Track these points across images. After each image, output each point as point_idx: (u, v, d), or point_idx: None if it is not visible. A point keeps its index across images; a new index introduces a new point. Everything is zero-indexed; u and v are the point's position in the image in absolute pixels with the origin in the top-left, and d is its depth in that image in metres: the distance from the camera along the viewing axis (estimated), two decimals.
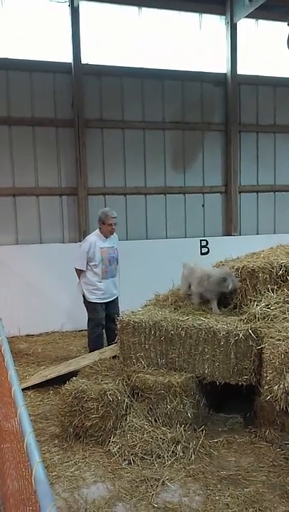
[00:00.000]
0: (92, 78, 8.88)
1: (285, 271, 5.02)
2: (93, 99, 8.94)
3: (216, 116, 9.85)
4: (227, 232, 10.05)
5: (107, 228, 6.25)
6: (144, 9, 9.09)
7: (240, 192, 10.09)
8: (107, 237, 6.28)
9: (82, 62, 8.69)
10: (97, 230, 6.39)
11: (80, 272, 6.28)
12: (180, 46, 9.46)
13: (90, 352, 6.18)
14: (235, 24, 9.53)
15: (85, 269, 6.22)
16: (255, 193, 10.31)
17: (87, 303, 6.29)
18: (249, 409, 4.62)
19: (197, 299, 5.16)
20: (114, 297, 6.36)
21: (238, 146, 9.94)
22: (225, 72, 9.74)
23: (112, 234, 6.33)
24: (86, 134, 8.88)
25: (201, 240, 9.47)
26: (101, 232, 6.30)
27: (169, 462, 3.99)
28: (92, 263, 6.17)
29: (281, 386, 4.03)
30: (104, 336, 6.47)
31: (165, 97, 9.42)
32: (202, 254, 9.35)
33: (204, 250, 9.44)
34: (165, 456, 4.05)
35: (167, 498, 3.54)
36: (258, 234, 10.23)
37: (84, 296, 6.31)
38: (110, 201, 9.09)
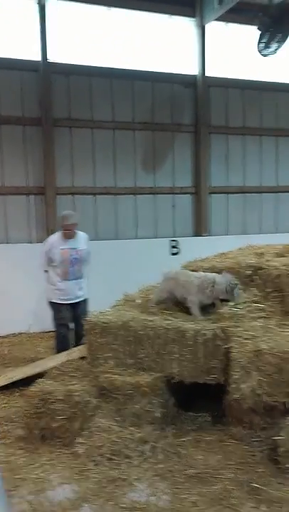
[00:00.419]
0: (61, 77, 8.81)
1: (253, 271, 5.06)
2: (61, 98, 8.86)
3: (186, 118, 9.91)
4: (197, 233, 10.10)
5: (64, 232, 6.16)
6: (113, 9, 9.06)
7: (210, 193, 10.16)
8: (68, 239, 6.18)
9: (50, 61, 8.61)
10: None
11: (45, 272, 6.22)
12: (150, 47, 9.48)
13: (57, 353, 6.09)
14: (205, 27, 9.61)
15: (46, 269, 6.16)
16: (225, 194, 10.40)
17: (49, 303, 6.22)
18: (218, 407, 4.62)
19: (199, 309, 4.79)
20: (80, 299, 6.24)
21: (208, 148, 10.01)
22: (195, 74, 9.80)
23: (71, 238, 6.17)
24: (54, 133, 8.79)
25: (171, 240, 9.49)
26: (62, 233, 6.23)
27: (137, 462, 3.95)
28: (53, 264, 6.11)
29: (248, 384, 4.06)
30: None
31: (135, 97, 9.42)
32: (172, 254, 9.37)
33: (175, 251, 9.46)
34: (133, 456, 4.00)
35: (134, 498, 3.50)
36: (228, 234, 10.32)
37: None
38: (79, 201, 9.03)
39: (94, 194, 9.24)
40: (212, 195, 10.20)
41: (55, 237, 6.25)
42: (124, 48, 9.26)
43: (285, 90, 10.54)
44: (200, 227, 10.06)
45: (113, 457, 3.98)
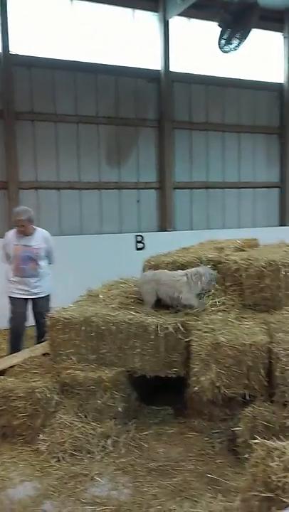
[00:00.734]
0: (22, 69, 8.67)
1: (213, 265, 5.13)
2: (24, 91, 8.73)
3: (150, 113, 9.93)
4: (162, 228, 10.17)
5: (17, 228, 6.01)
6: (76, 1, 8.96)
7: (174, 188, 10.23)
8: (23, 235, 6.02)
9: (12, 53, 8.45)
10: None
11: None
12: (114, 41, 9.45)
13: (10, 348, 5.99)
14: (168, 22, 9.64)
15: (4, 262, 6.09)
16: (189, 190, 10.50)
17: (8, 297, 6.14)
18: (180, 400, 4.69)
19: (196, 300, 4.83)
20: (37, 296, 6.11)
21: (172, 143, 10.06)
22: (159, 68, 9.82)
23: (27, 234, 5.98)
24: (16, 127, 8.65)
25: (136, 235, 9.50)
26: None
27: (99, 457, 3.98)
28: (10, 258, 6.04)
29: (208, 377, 4.13)
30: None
31: (99, 91, 9.37)
32: (138, 249, 9.40)
33: (140, 246, 9.48)
34: (95, 451, 4.03)
35: (96, 493, 3.53)
36: (192, 229, 10.43)
37: None
38: (43, 195, 8.94)
39: (58, 189, 9.17)
40: (176, 190, 10.28)
41: (12, 233, 6.14)
42: (88, 42, 9.18)
43: (246, 87, 10.70)
44: (165, 222, 10.13)
45: (75, 453, 4.01)
